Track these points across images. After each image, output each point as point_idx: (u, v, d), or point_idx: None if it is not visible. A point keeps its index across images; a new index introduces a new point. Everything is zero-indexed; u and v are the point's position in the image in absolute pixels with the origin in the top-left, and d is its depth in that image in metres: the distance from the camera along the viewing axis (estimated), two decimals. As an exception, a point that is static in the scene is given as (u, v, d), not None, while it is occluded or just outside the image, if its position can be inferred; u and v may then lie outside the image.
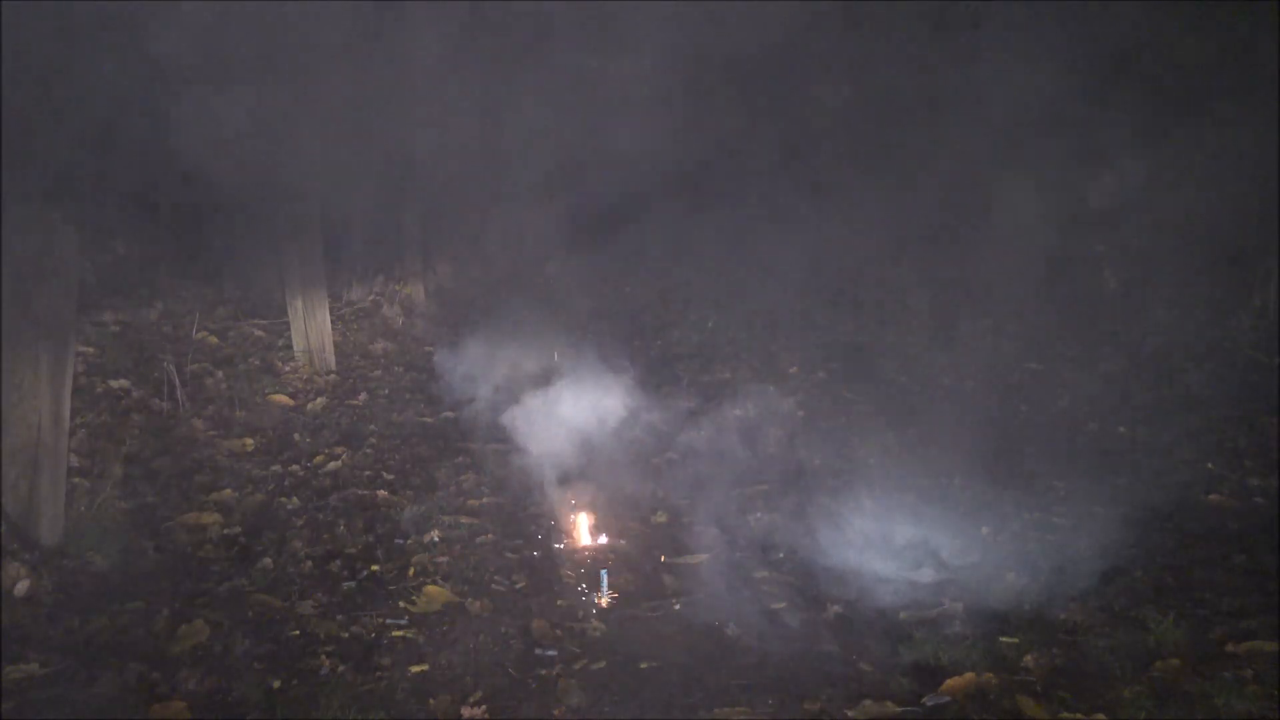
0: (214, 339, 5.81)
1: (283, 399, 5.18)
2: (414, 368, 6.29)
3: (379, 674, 2.60)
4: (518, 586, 3.23)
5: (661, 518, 3.93)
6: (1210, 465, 4.32)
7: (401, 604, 3.03)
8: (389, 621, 2.90)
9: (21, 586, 2.84)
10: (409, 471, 4.25)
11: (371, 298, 8.36)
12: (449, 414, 5.15)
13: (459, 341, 6.72)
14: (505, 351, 7.07)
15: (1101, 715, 2.37)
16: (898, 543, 3.45)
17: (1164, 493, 4.11)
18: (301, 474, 4.24)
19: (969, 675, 2.55)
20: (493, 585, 3.22)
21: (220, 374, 5.25)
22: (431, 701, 2.48)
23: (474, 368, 6.40)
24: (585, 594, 3.18)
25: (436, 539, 3.55)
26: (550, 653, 2.77)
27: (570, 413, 5.28)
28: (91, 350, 4.88)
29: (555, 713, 2.46)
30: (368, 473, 4.22)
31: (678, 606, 3.09)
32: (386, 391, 5.45)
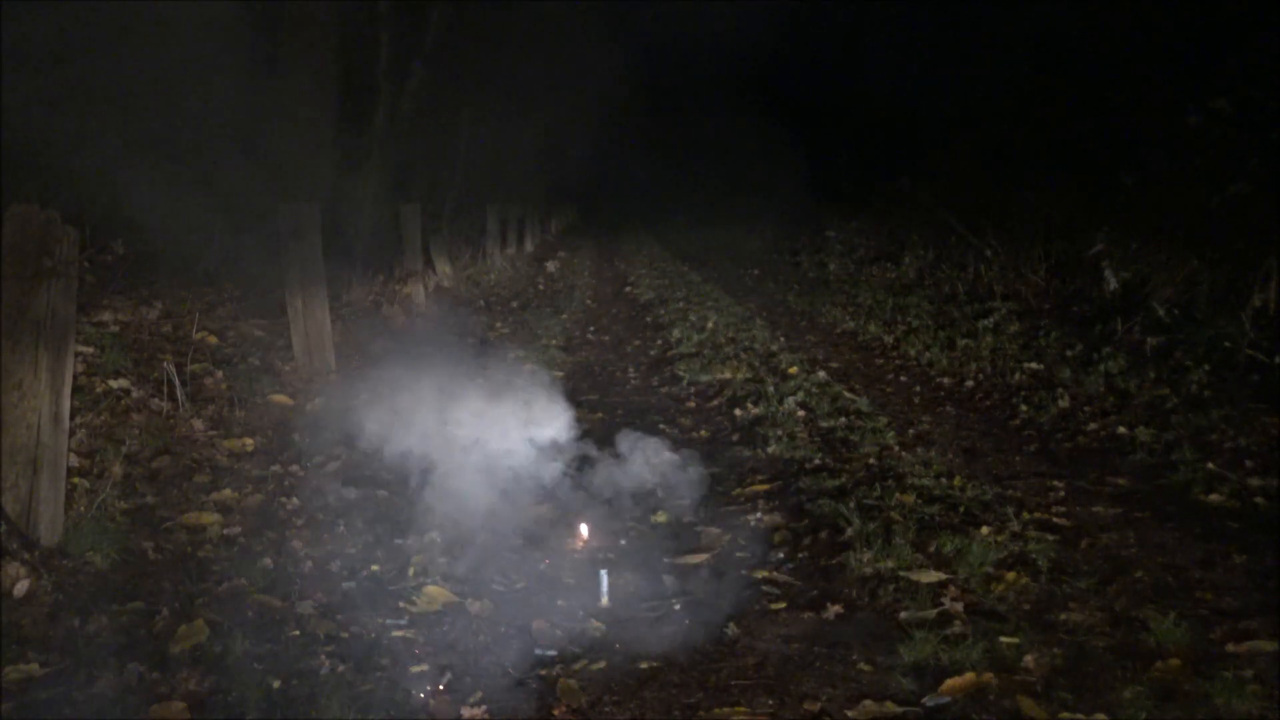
0: (214, 339, 5.82)
1: (283, 399, 5.18)
2: (414, 367, 6.29)
3: (379, 674, 2.60)
4: (518, 586, 3.23)
5: (661, 517, 3.93)
6: (1210, 465, 4.32)
7: (401, 604, 3.03)
8: (389, 621, 2.90)
9: (21, 586, 2.84)
10: (409, 471, 4.24)
11: (371, 298, 8.37)
12: (449, 414, 5.14)
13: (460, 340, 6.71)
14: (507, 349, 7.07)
15: (1101, 715, 2.37)
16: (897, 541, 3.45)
17: (1164, 493, 4.11)
18: (301, 474, 4.24)
19: (969, 675, 2.55)
20: (493, 585, 3.22)
21: (220, 374, 5.25)
22: (431, 702, 2.48)
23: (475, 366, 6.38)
24: (585, 593, 3.18)
25: (437, 539, 3.55)
26: (550, 653, 2.77)
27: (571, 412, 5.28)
28: (91, 350, 4.88)
29: (555, 713, 2.46)
30: (368, 472, 4.22)
31: (678, 606, 3.09)
32: (387, 391, 5.44)
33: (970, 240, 11.05)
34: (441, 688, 2.55)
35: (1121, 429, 5.00)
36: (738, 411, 5.54)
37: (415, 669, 2.63)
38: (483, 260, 13.75)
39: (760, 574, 3.32)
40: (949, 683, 2.52)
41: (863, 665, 2.67)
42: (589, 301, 11.76)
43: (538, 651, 2.77)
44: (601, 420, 5.41)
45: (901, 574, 3.20)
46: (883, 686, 2.56)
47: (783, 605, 3.08)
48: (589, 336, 8.95)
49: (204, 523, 3.58)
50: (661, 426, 5.30)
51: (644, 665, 2.69)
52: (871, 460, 4.53)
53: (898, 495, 3.96)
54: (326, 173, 8.80)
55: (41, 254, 3.02)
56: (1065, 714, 2.39)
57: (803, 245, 17.43)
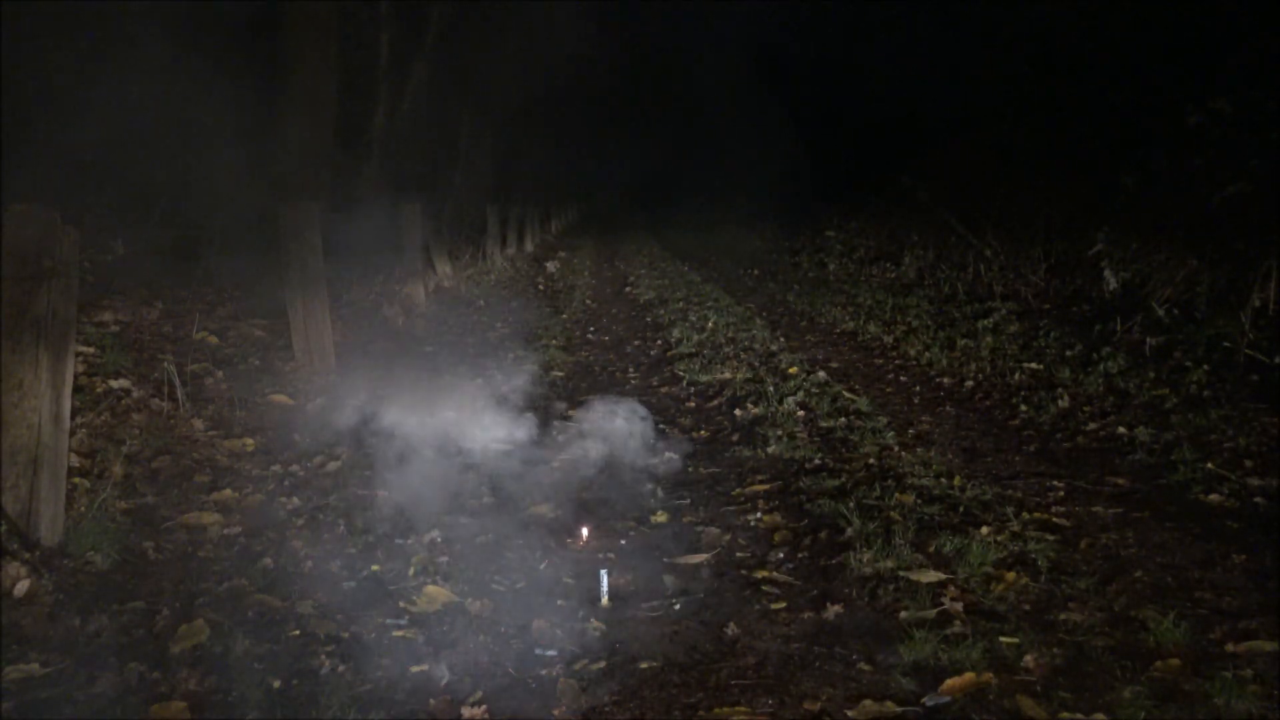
0: (214, 339, 5.82)
1: (283, 399, 5.18)
2: (414, 367, 6.28)
3: (379, 674, 2.60)
4: (518, 586, 3.23)
5: (661, 517, 3.93)
6: (1210, 465, 4.32)
7: (401, 604, 3.03)
8: (389, 621, 2.90)
9: (21, 586, 2.84)
10: (410, 471, 4.25)
11: (371, 298, 8.37)
12: (449, 414, 5.14)
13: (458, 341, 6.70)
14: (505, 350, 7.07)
15: (1101, 715, 2.37)
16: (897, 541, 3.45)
17: (1164, 493, 4.11)
18: (301, 474, 4.24)
19: (969, 675, 2.55)
20: (493, 585, 3.21)
21: (220, 374, 5.25)
22: (431, 701, 2.48)
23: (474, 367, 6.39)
24: (585, 593, 3.18)
25: (437, 539, 3.56)
26: (550, 653, 2.77)
27: (571, 412, 5.29)
28: (91, 350, 4.88)
29: (555, 713, 2.46)
30: (368, 472, 4.22)
31: (678, 606, 3.09)
32: (388, 391, 5.45)
33: (970, 240, 11.06)
34: (441, 687, 2.55)
35: (1121, 429, 5.00)
36: (738, 411, 5.55)
37: (415, 669, 2.63)
38: (483, 260, 13.74)
39: (760, 574, 3.32)
40: (949, 682, 2.52)
41: (863, 665, 2.67)
42: (589, 301, 11.76)
43: (538, 651, 2.77)
44: (602, 420, 5.40)
45: (901, 574, 3.20)
46: (883, 686, 2.56)
47: (783, 605, 3.08)
48: (589, 336, 8.94)
49: (204, 523, 3.58)
50: (661, 426, 5.30)
51: (644, 665, 2.69)
52: (871, 460, 4.53)
53: (898, 495, 3.96)
54: (327, 173, 8.81)
55: (41, 254, 3.02)
56: (1065, 714, 2.39)
57: (803, 245, 17.43)
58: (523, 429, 5.00)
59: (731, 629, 2.90)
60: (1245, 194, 7.31)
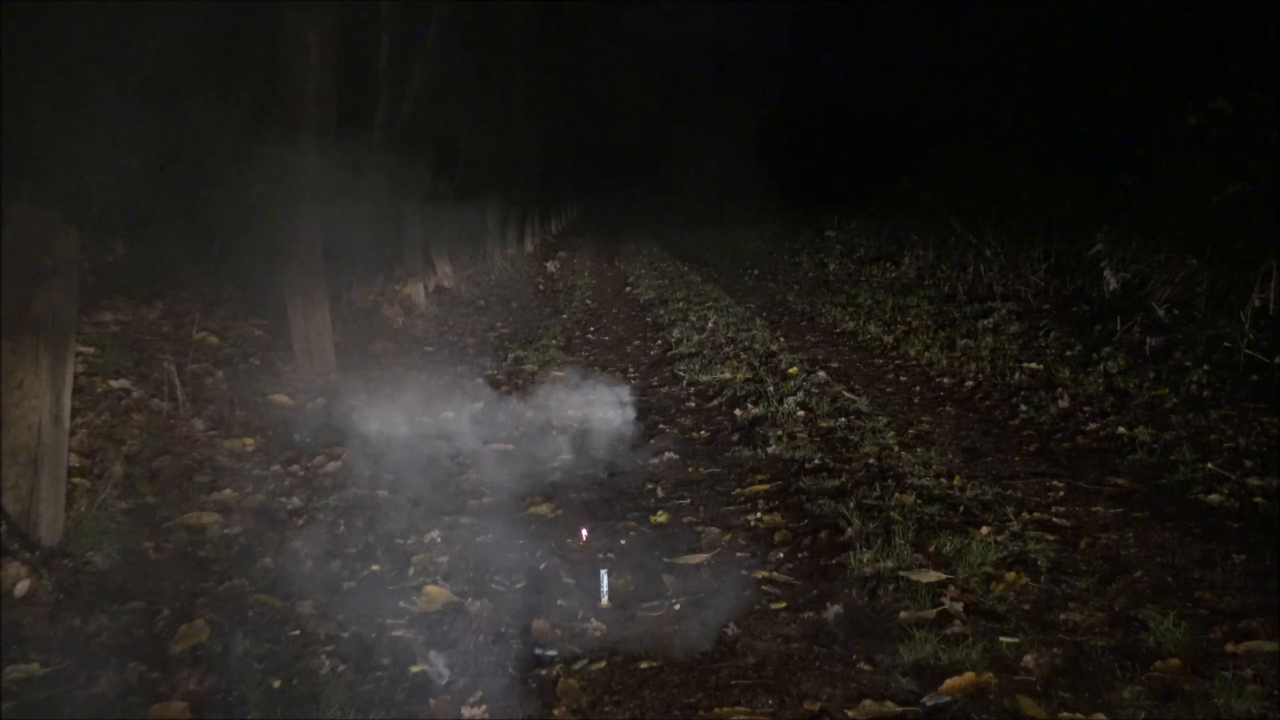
0: (214, 339, 5.81)
1: (283, 399, 5.18)
2: (414, 367, 6.29)
3: (379, 674, 2.60)
4: (518, 586, 3.23)
5: (661, 517, 3.93)
6: (1210, 465, 4.32)
7: (401, 604, 3.03)
8: (389, 621, 2.90)
9: (21, 586, 2.84)
10: (409, 470, 4.25)
11: (371, 298, 8.37)
12: (449, 414, 5.15)
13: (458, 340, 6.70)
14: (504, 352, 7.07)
15: (1101, 715, 2.38)
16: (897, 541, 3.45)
17: (1164, 493, 4.11)
18: (301, 474, 4.24)
19: (969, 675, 2.55)
20: (493, 585, 3.21)
21: (220, 374, 5.25)
22: (431, 701, 2.48)
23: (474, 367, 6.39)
24: (585, 593, 3.18)
25: (437, 539, 3.56)
26: (550, 653, 2.77)
27: (571, 412, 5.29)
28: (91, 350, 4.88)
29: (555, 713, 2.46)
30: (368, 472, 4.22)
31: (678, 606, 3.09)
32: (387, 391, 5.45)
33: (970, 240, 11.06)
34: (441, 687, 2.55)
35: (1121, 429, 5.00)
36: (738, 411, 5.54)
37: (415, 669, 2.63)
38: (483, 260, 13.74)
39: (760, 574, 3.32)
40: (949, 682, 2.52)
41: (863, 665, 2.67)
42: (589, 301, 11.76)
43: (538, 651, 2.77)
44: (602, 421, 5.40)
45: (901, 574, 3.20)
46: (883, 686, 2.56)
47: (783, 605, 3.08)
48: (589, 336, 8.94)
49: (204, 523, 3.58)
50: (661, 426, 5.30)
51: (644, 665, 2.69)
52: (871, 460, 4.53)
53: (898, 495, 3.96)
54: (327, 173, 8.80)
55: (42, 254, 3.02)
56: (1065, 714, 2.39)
57: (803, 245, 17.43)
58: (522, 429, 5.01)
59: (731, 629, 2.90)
60: (1245, 194, 7.32)
